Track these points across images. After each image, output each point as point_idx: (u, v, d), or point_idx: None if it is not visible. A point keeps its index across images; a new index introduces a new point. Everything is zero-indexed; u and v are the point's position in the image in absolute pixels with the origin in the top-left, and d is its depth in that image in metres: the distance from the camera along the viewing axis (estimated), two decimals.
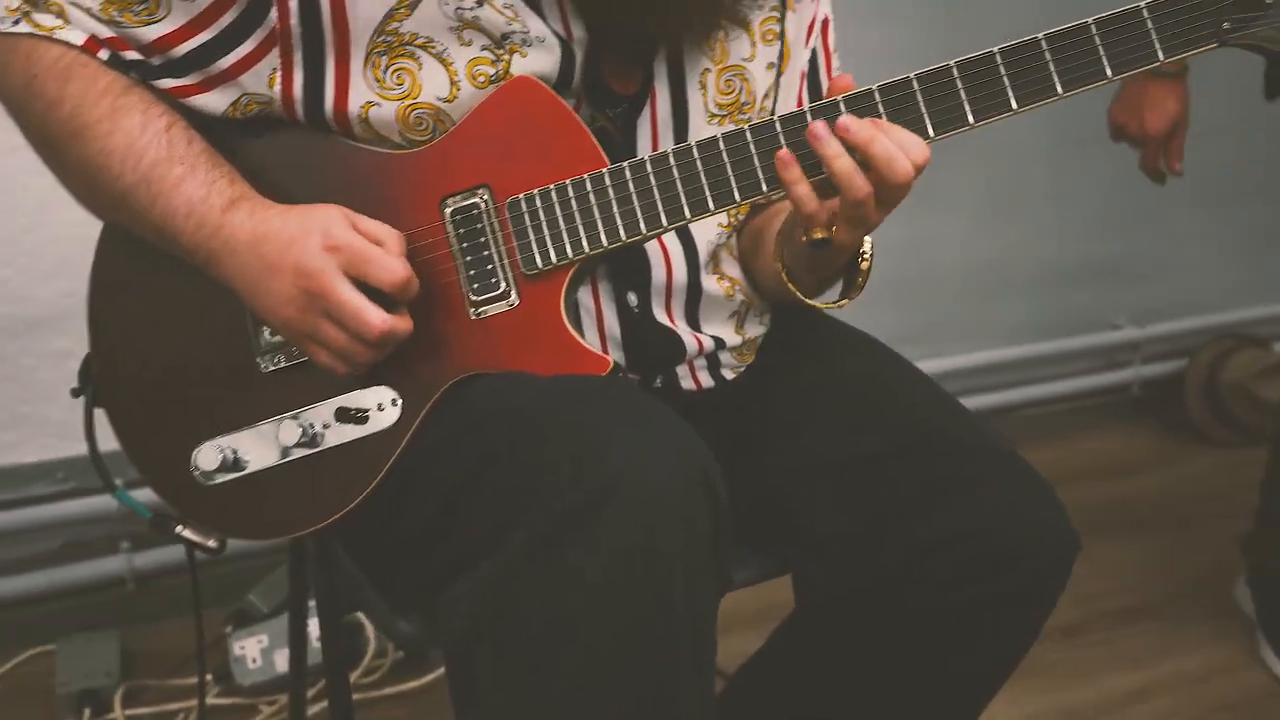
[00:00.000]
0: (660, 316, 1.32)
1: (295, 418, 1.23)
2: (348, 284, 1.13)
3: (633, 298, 1.30)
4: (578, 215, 1.19)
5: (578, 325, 1.28)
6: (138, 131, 1.17)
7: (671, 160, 1.18)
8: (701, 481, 1.02)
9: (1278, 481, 2.28)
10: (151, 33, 1.19)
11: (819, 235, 1.17)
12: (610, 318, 1.29)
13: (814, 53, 1.41)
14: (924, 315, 2.92)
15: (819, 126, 1.12)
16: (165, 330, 1.28)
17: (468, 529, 1.09)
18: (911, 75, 1.13)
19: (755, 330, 1.43)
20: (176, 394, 1.28)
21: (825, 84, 1.41)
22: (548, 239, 1.20)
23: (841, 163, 1.11)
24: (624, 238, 1.19)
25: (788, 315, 1.48)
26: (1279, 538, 2.29)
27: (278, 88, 1.21)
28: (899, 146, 1.10)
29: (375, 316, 1.12)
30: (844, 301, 1.28)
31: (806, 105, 1.19)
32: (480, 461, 1.09)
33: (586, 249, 1.19)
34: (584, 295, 1.28)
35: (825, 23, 1.42)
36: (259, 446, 1.25)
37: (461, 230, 1.22)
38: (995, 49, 1.10)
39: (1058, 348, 3.12)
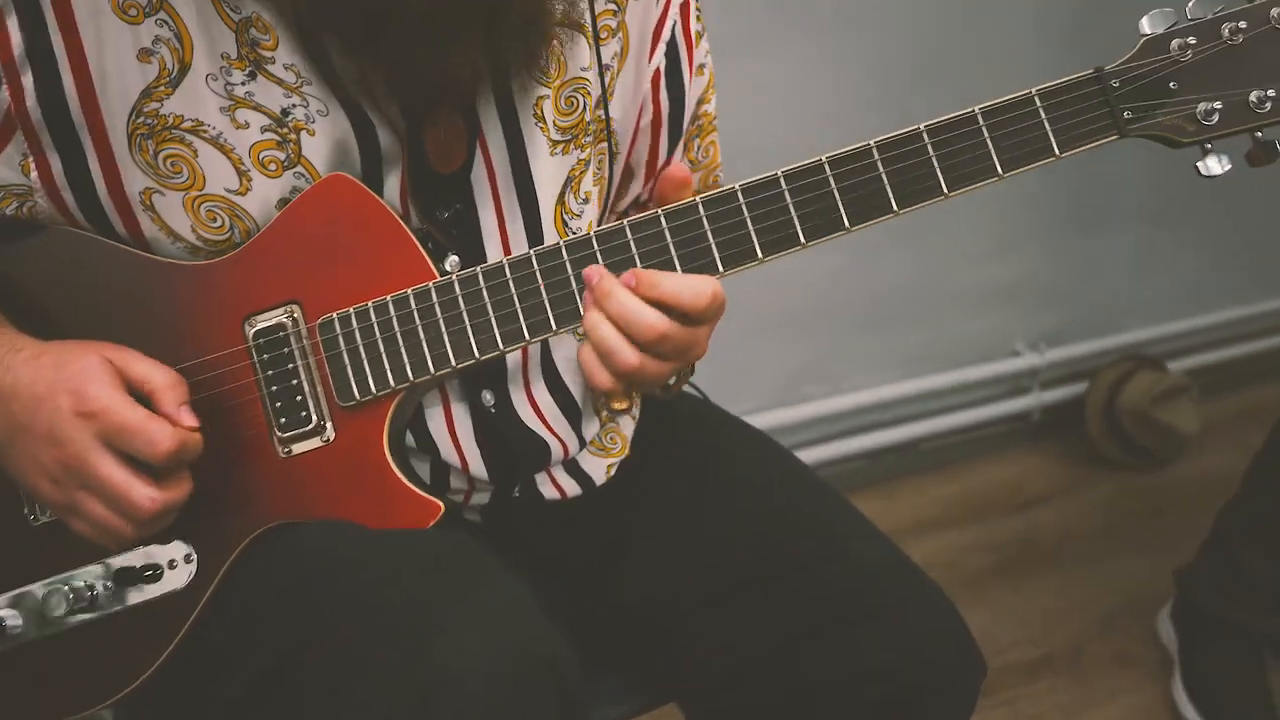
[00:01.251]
0: (524, 413, 1.17)
1: (69, 580, 1.07)
2: (108, 457, 0.97)
3: (488, 396, 1.15)
4: (399, 338, 1.04)
5: (423, 431, 1.12)
6: None
7: (507, 272, 1.03)
8: (545, 671, 0.91)
9: (1233, 522, 2.15)
10: None
11: (618, 406, 1.05)
12: (463, 420, 1.14)
13: (672, 44, 1.20)
14: (819, 350, 2.81)
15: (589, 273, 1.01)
16: None
17: (291, 713, 0.97)
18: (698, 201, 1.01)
19: (619, 404, 1.27)
20: None
21: (688, 84, 1.23)
22: (365, 365, 1.04)
23: (604, 332, 0.99)
24: (454, 364, 1.04)
25: (665, 408, 1.34)
26: (1222, 575, 2.16)
27: (34, 175, 1.04)
28: (626, 319, 0.98)
29: (142, 496, 0.98)
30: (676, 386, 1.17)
31: (665, 113, 1.12)
32: (292, 645, 0.96)
33: (411, 376, 1.04)
34: (431, 398, 1.13)
35: (685, 7, 1.21)
36: (29, 613, 1.08)
37: (266, 355, 1.06)
38: (872, 143, 0.96)
39: (958, 378, 3.02)
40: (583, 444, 1.22)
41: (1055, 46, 2.71)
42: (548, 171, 1.12)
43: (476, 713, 0.87)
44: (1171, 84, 0.94)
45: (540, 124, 1.11)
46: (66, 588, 1.06)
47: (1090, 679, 2.28)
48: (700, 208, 0.99)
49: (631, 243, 1.01)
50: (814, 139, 1.19)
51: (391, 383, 1.04)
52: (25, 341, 1.02)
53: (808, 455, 2.77)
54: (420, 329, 1.03)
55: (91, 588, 1.06)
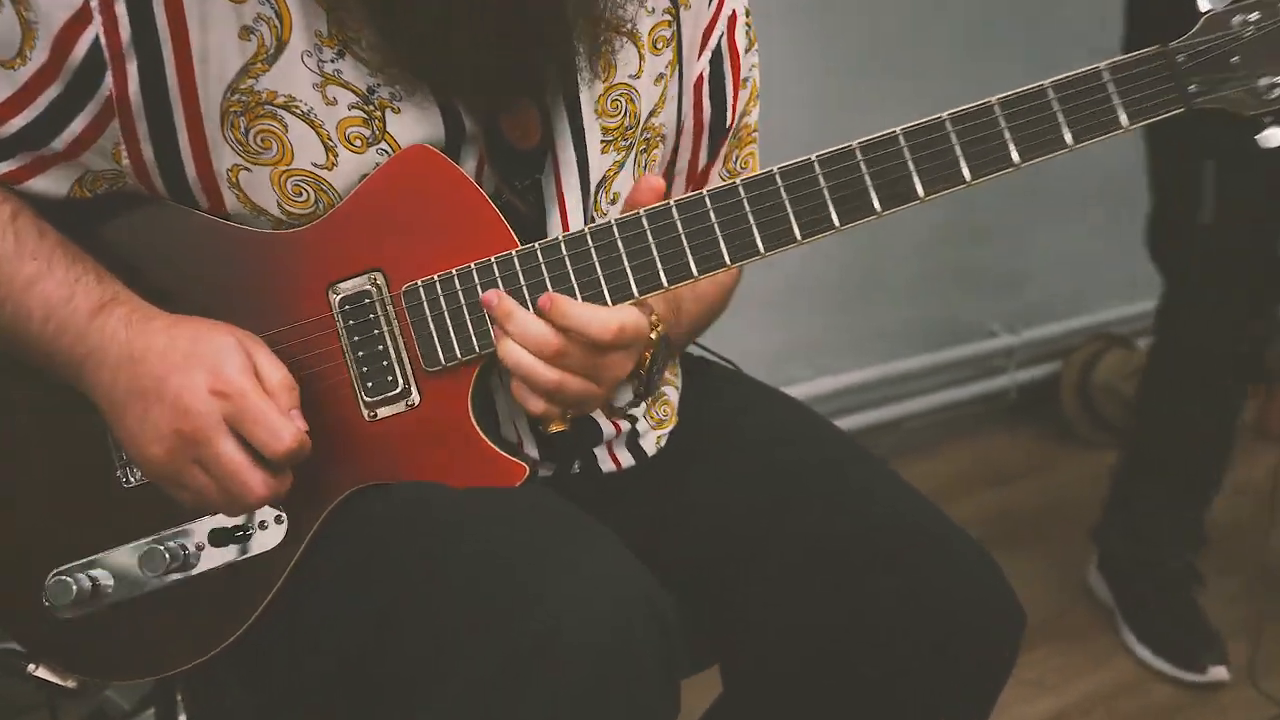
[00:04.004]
0: None
1: (161, 540, 1.08)
2: (231, 439, 1.00)
3: None
4: None
5: (490, 417, 1.15)
6: None
7: (589, 241, 1.05)
8: (648, 615, 0.93)
9: (1125, 471, 2.40)
10: None
11: (556, 428, 1.08)
12: None
13: (717, 54, 1.25)
14: (800, 332, 2.86)
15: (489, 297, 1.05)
16: (13, 436, 1.13)
17: (390, 677, 0.98)
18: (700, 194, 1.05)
19: (667, 374, 1.30)
20: (25, 510, 1.12)
21: (730, 94, 1.27)
22: (450, 330, 1.07)
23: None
24: None
25: (700, 371, 1.37)
26: (1126, 521, 2.37)
27: (126, 162, 1.06)
28: (524, 337, 1.02)
29: (256, 481, 1.00)
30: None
31: (707, 120, 1.15)
32: (394, 602, 0.98)
33: (495, 342, 1.06)
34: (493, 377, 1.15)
35: (733, 19, 1.25)
36: (121, 573, 1.09)
37: (351, 322, 1.08)
38: (944, 116, 1.00)
39: (937, 359, 3.10)
40: (634, 424, 1.25)
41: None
42: (596, 163, 1.15)
43: (594, 656, 0.89)
44: (1233, 59, 0.98)
45: (600, 118, 1.15)
46: (161, 548, 1.07)
47: (1082, 644, 2.36)
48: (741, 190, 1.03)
49: (711, 211, 1.04)
50: (844, 125, 1.22)
51: (476, 348, 1.06)
52: (158, 311, 1.04)
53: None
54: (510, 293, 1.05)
55: (184, 548, 1.08)
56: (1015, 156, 1.01)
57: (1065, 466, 3.05)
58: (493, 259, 1.05)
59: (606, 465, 1.25)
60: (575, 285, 1.05)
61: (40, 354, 1.05)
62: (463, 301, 1.06)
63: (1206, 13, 0.99)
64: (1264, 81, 0.98)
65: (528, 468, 1.07)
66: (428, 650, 0.94)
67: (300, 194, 1.06)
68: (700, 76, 1.24)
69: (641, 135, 1.20)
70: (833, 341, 2.92)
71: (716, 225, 1.04)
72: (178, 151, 1.05)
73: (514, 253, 1.05)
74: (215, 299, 1.07)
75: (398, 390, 1.07)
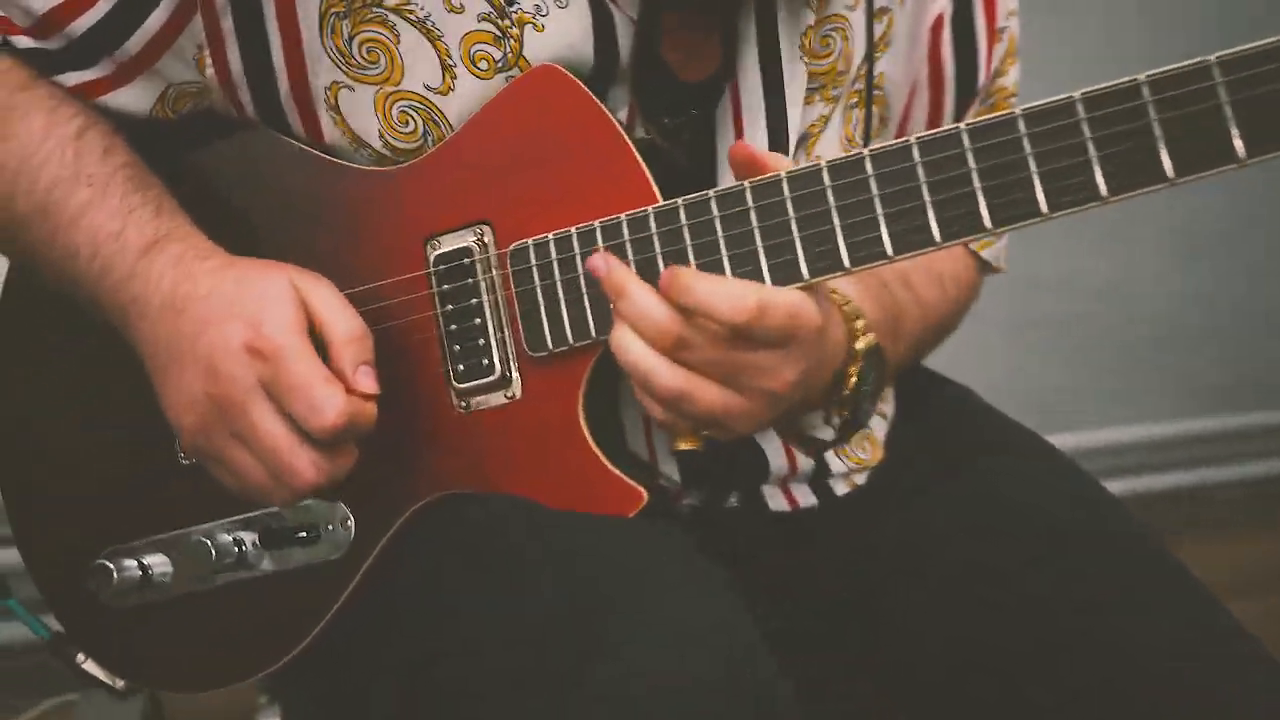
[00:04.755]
0: None
1: (218, 530, 0.96)
2: (270, 407, 0.84)
3: None
4: None
5: (615, 423, 0.95)
6: (39, 137, 0.94)
7: (749, 199, 0.80)
8: (741, 684, 0.78)
9: None
10: (46, 1, 0.93)
11: (684, 444, 0.83)
12: None
13: None
14: (1094, 371, 2.57)
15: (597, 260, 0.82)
16: (70, 402, 1.04)
17: None
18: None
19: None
20: (80, 485, 1.03)
21: (983, 45, 1.06)
22: (562, 308, 0.86)
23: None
24: None
25: (921, 402, 1.13)
26: None
27: (210, 71, 0.93)
28: (637, 320, 0.79)
29: (305, 462, 0.84)
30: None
31: (949, 75, 0.96)
32: (455, 643, 0.84)
33: None
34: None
35: None
36: (174, 563, 0.98)
37: (447, 286, 0.90)
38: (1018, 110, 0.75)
39: (1261, 420, 2.75)
40: (822, 462, 1.03)
41: None
42: (796, 115, 0.96)
43: None
44: None
45: (805, 58, 0.95)
46: (210, 541, 0.95)
47: None
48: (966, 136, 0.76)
49: (921, 167, 0.76)
50: None
51: (593, 333, 0.85)
52: (215, 250, 0.90)
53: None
54: (633, 265, 0.82)
55: (240, 543, 0.95)
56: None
57: None
58: (623, 216, 0.84)
59: (777, 503, 1.04)
60: (725, 258, 0.80)
61: (89, 298, 0.93)
62: (580, 269, 0.85)
63: None
64: None
65: (645, 495, 0.86)
66: (482, 705, 0.81)
67: (407, 123, 0.91)
68: (939, 18, 1.03)
69: (853, 85, 0.99)
70: (1133, 386, 2.61)
71: (926, 188, 0.76)
72: (269, 62, 0.92)
73: (650, 210, 0.83)
74: (298, 245, 0.94)
75: (494, 377, 0.88)
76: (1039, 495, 1.04)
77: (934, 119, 1.07)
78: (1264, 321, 2.69)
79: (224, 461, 0.87)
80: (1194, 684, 0.91)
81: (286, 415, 0.84)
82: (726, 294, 0.77)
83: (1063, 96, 0.73)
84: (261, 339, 0.83)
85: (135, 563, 0.97)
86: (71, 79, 0.95)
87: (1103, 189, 0.72)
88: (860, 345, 0.87)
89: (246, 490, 0.88)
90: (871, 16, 0.97)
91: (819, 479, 1.05)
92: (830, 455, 1.03)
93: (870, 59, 0.99)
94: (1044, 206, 0.73)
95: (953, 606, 0.99)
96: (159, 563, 0.97)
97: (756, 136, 0.95)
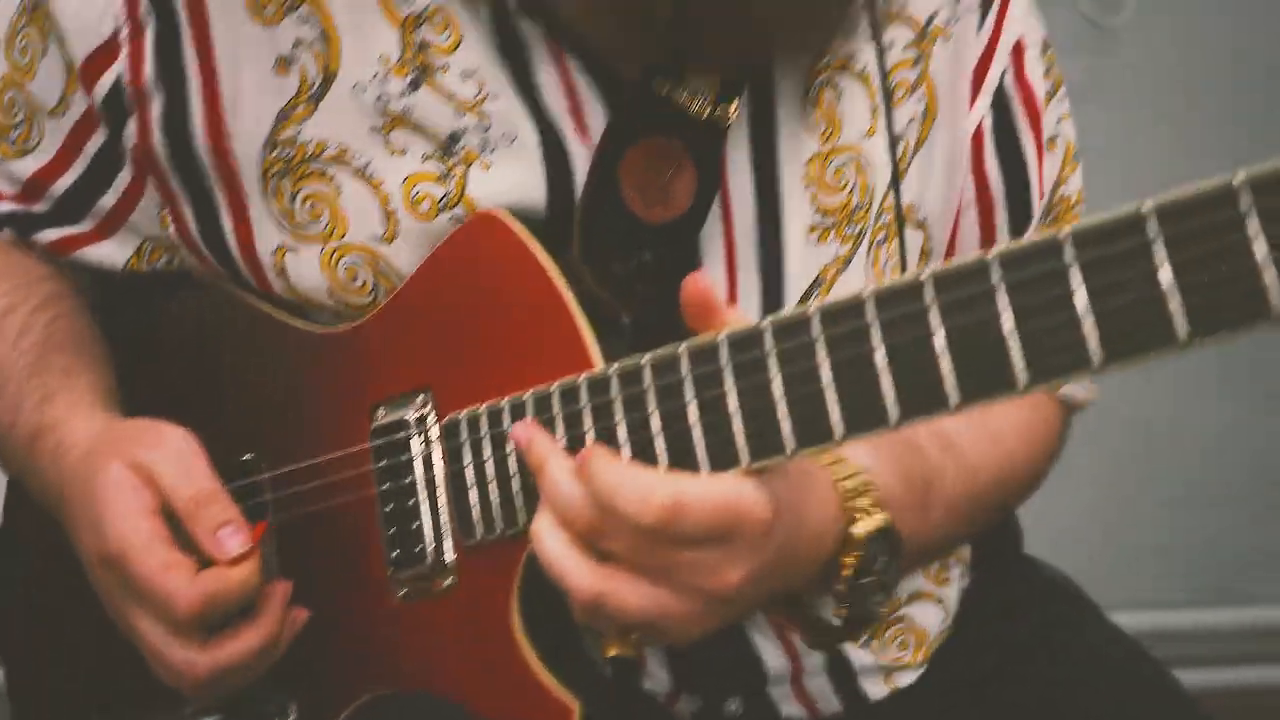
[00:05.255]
0: None
1: None
2: (141, 611, 0.78)
3: None
4: None
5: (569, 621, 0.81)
6: None
7: (684, 365, 0.68)
8: None
9: None
10: (30, 165, 0.93)
11: (613, 650, 0.70)
12: None
13: (1001, 96, 0.91)
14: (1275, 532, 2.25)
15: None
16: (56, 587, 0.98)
17: None
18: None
19: (911, 583, 0.93)
20: (76, 683, 1.00)
21: (1033, 154, 0.93)
22: (493, 489, 0.76)
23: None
24: None
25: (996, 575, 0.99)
26: None
27: (172, 229, 0.90)
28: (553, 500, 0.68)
29: (177, 660, 0.78)
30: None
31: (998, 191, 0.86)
32: None
33: None
34: None
35: (1019, 49, 0.91)
36: None
37: (385, 463, 0.82)
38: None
39: None
40: (837, 661, 0.91)
41: None
42: (796, 259, 0.86)
43: None
44: None
45: (810, 191, 0.86)
46: None
47: None
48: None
49: (877, 326, 0.63)
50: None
51: (519, 520, 0.74)
52: (82, 433, 0.85)
53: (1241, 675, 2.22)
54: (564, 443, 0.71)
55: None
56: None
57: None
58: (554, 388, 0.73)
59: (791, 709, 0.92)
60: (656, 436, 0.68)
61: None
62: (509, 448, 0.74)
63: None
64: None
65: (575, 710, 0.73)
66: None
67: (355, 277, 0.85)
68: (979, 128, 0.91)
69: (879, 220, 0.87)
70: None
71: (882, 352, 0.62)
72: (219, 223, 0.87)
73: (582, 379, 0.72)
74: (247, 416, 0.89)
75: (427, 564, 0.79)
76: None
77: (986, 240, 0.93)
78: None
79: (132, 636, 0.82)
80: None
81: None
82: (633, 489, 0.64)
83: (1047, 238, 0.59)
84: (105, 546, 0.78)
85: None
86: (52, 235, 0.94)
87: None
88: (859, 530, 0.72)
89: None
90: (893, 143, 0.86)
91: (843, 680, 0.90)
92: (852, 649, 0.89)
93: (897, 188, 0.87)
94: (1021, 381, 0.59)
95: None
96: None
97: (749, 283, 0.84)
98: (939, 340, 0.59)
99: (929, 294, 0.60)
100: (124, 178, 0.90)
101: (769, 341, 0.65)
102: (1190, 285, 0.53)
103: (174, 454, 0.79)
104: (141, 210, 0.91)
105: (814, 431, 0.63)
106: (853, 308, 0.62)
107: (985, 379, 0.59)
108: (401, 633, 0.81)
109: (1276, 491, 2.21)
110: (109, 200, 0.91)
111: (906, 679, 0.93)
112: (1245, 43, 2.11)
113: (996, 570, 1.01)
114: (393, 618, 0.81)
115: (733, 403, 0.65)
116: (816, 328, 0.63)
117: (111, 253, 0.94)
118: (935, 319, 0.59)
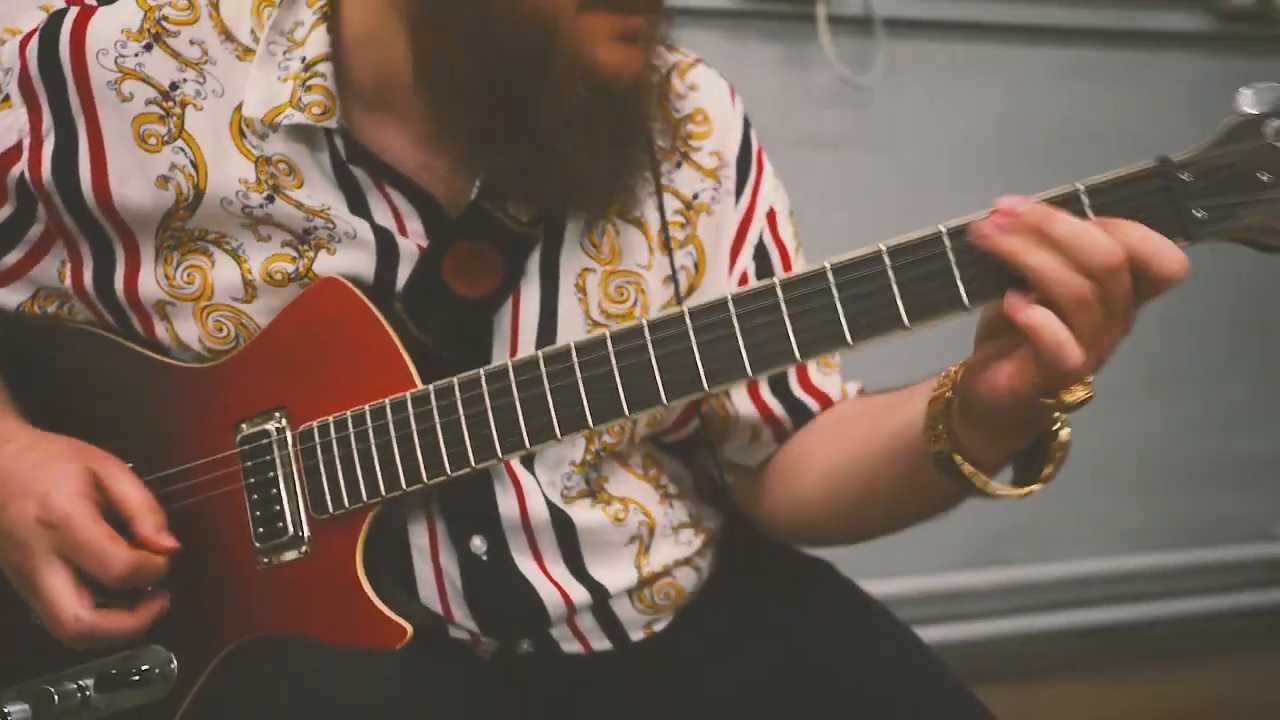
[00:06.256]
0: (523, 564, 1.07)
1: (59, 680, 1.05)
2: (56, 568, 0.99)
3: (478, 543, 1.06)
4: (374, 450, 0.98)
5: (408, 575, 1.06)
6: None
7: (483, 384, 0.94)
8: None
9: None
10: None
11: (1080, 395, 0.85)
12: (451, 568, 1.06)
13: (760, 250, 1.17)
14: (1030, 509, 2.51)
15: (985, 225, 0.82)
16: None
17: None
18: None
19: (670, 552, 1.14)
20: None
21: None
22: (339, 476, 0.99)
23: (1038, 258, 0.80)
24: (425, 479, 0.97)
25: (743, 548, 1.21)
26: None
27: (69, 282, 1.09)
28: (1074, 244, 0.80)
29: (68, 614, 0.98)
30: (1034, 487, 0.96)
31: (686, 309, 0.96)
32: None
33: (383, 490, 0.98)
34: (419, 536, 1.06)
35: (771, 216, 1.18)
36: (33, 709, 1.05)
37: (250, 463, 1.03)
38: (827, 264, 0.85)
39: (1198, 558, 2.74)
40: (601, 597, 1.10)
41: None
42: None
43: None
44: (1262, 175, 0.75)
45: (580, 295, 1.09)
46: (54, 690, 1.04)
47: None
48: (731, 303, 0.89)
49: (611, 355, 0.91)
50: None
51: (363, 496, 0.98)
52: (19, 432, 1.05)
53: (1003, 625, 2.55)
54: (394, 441, 0.97)
55: (82, 688, 1.05)
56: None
57: None
58: (386, 400, 0.98)
59: (571, 647, 1.11)
60: (464, 431, 0.95)
61: None
62: (353, 446, 0.99)
63: (1236, 119, 0.76)
64: None
65: (409, 630, 0.97)
66: None
67: (221, 329, 1.06)
68: (744, 275, 1.16)
69: None
70: (1067, 523, 2.62)
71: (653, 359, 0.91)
72: (112, 272, 1.07)
73: (407, 395, 0.97)
74: (128, 431, 1.07)
75: (287, 537, 1.01)
76: (844, 652, 1.08)
77: None
78: (1199, 470, 2.75)
79: (34, 606, 1.01)
80: None
81: (78, 573, 0.97)
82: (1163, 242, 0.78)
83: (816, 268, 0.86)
84: (50, 511, 0.97)
85: None
86: None
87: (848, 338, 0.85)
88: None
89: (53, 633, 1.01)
90: (675, 275, 1.10)
91: (608, 620, 1.11)
92: (620, 599, 1.11)
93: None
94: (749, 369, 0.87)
95: None
96: (19, 709, 1.04)
97: (527, 345, 1.06)
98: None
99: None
100: (27, 242, 1.07)
101: (542, 364, 0.93)
102: (910, 290, 0.83)
103: (123, 471, 1.02)
104: (41, 267, 1.08)
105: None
106: (634, 329, 0.91)
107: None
108: (264, 593, 1.01)
109: None
110: (11, 258, 1.08)
111: (660, 625, 1.14)
112: (981, 98, 2.42)
113: (747, 542, 1.23)
114: (256, 580, 1.01)
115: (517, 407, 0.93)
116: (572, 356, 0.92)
117: (7, 297, 1.10)
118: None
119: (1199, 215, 0.76)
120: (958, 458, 0.93)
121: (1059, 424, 0.92)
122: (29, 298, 1.11)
